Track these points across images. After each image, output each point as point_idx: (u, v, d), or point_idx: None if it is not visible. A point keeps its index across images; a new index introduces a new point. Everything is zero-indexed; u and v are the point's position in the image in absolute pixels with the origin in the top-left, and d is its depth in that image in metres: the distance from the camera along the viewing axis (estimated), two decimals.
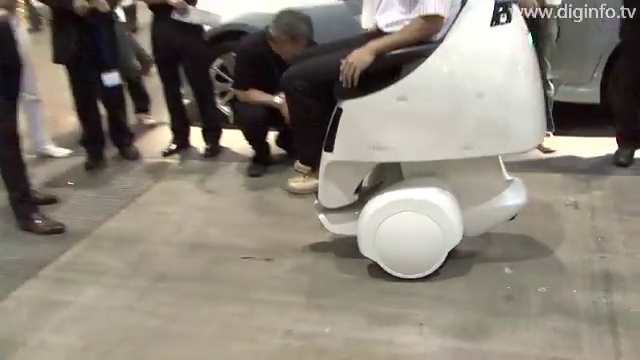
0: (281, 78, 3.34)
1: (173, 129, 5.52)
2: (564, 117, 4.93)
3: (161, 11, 4.99)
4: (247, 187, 4.60)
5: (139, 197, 4.66)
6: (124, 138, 5.45)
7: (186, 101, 5.55)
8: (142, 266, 3.70)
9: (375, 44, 3.01)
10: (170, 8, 4.91)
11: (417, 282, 3.28)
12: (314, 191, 3.57)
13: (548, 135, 4.82)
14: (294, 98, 3.30)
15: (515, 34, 3.07)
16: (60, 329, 3.20)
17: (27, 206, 4.25)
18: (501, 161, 3.36)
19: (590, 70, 4.92)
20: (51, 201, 4.61)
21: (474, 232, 3.40)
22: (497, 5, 3.03)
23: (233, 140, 5.34)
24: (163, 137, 5.73)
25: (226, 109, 5.89)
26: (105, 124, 5.39)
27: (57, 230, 4.18)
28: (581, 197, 4.06)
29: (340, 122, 3.11)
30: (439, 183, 3.22)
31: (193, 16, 4.98)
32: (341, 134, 3.13)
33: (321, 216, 3.47)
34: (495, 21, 3.00)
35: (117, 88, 5.22)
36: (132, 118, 6.06)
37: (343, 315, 3.11)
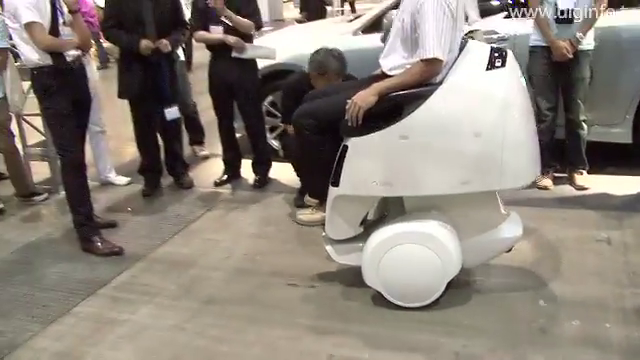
0: (292, 118, 3.34)
1: (225, 161, 5.55)
2: (597, 156, 4.83)
3: (219, 50, 5.06)
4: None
5: (192, 224, 4.69)
6: (179, 168, 5.51)
7: (238, 135, 5.59)
8: (193, 289, 3.71)
9: (379, 86, 3.06)
10: (228, 47, 4.98)
11: (452, 312, 3.23)
12: (322, 223, 3.58)
13: (581, 173, 4.74)
14: (303, 135, 3.28)
15: (509, 77, 3.10)
16: (116, 346, 3.21)
17: (89, 229, 4.31)
18: (498, 196, 3.35)
19: (622, 111, 4.82)
20: (111, 225, 4.67)
21: (472, 263, 3.39)
22: (492, 50, 3.18)
23: (281, 172, 5.36)
24: (216, 168, 5.77)
25: (275, 143, 5.91)
26: (162, 154, 5.46)
27: (116, 252, 4.22)
28: (614, 233, 3.95)
29: (346, 158, 3.14)
30: (439, 216, 3.23)
31: (250, 52, 5.04)
32: (347, 170, 3.15)
33: (328, 247, 3.46)
34: (490, 65, 3.08)
35: (176, 121, 5.30)
36: (187, 149, 6.14)
37: (381, 342, 3.06)
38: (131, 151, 6.01)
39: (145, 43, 4.78)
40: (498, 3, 5.31)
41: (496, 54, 3.15)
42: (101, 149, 5.63)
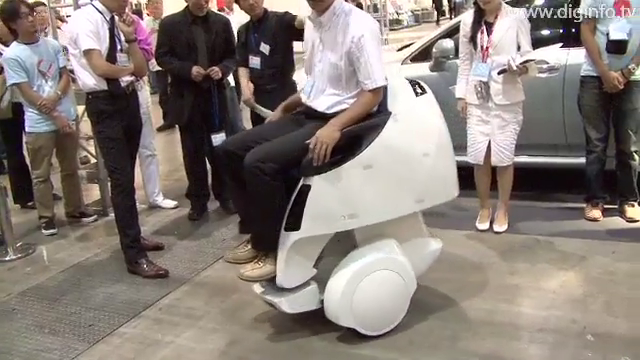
0: (246, 164, 3.04)
1: None
2: None
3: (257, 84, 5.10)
4: None
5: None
6: (226, 193, 5.57)
7: None
8: (236, 313, 3.73)
9: (338, 121, 3.09)
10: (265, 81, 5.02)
11: (499, 345, 3.18)
12: (271, 276, 3.23)
13: (633, 205, 4.63)
14: (261, 181, 3.02)
15: (434, 101, 3.39)
16: None
17: (136, 251, 4.39)
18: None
19: None
20: (158, 248, 4.74)
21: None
22: (410, 81, 3.43)
23: None
24: None
25: None
26: (210, 179, 5.53)
27: (161, 275, 4.28)
28: None
29: (309, 198, 3.05)
30: (391, 241, 3.34)
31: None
32: (310, 209, 3.06)
33: (279, 299, 3.23)
34: (416, 92, 3.37)
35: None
36: None
37: None
38: (179, 175, 6.11)
39: (196, 69, 4.89)
40: (550, 33, 5.24)
41: (412, 82, 3.44)
42: (151, 172, 5.74)
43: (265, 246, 3.23)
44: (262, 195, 3.06)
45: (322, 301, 3.28)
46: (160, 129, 7.83)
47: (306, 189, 3.07)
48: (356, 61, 3.11)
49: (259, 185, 3.03)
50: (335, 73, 3.19)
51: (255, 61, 4.96)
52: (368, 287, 3.21)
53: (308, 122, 3.26)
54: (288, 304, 3.24)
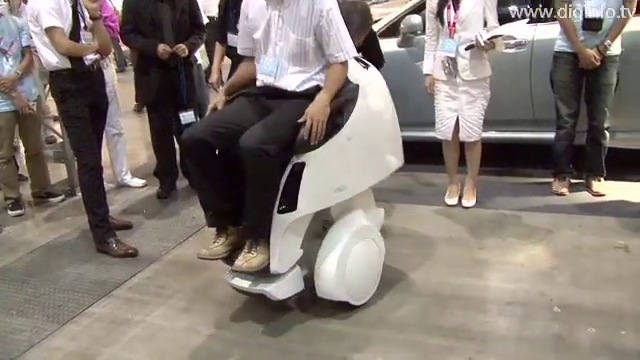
0: (247, 147, 2.92)
1: None
2: (614, 163, 4.78)
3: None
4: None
5: (206, 226, 4.68)
6: None
7: None
8: (207, 291, 3.72)
9: (325, 97, 3.08)
10: None
11: (468, 318, 3.22)
12: (266, 263, 3.10)
13: (599, 180, 4.70)
14: (267, 164, 2.94)
15: (379, 73, 3.68)
16: (130, 347, 3.24)
17: (104, 231, 4.34)
18: None
19: None
20: (126, 227, 4.71)
21: None
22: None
23: None
24: None
25: None
26: (178, 158, 5.48)
27: (130, 254, 4.25)
28: (631, 240, 3.91)
29: (304, 177, 3.04)
30: (360, 212, 3.46)
31: None
32: (305, 187, 3.05)
33: (270, 287, 3.15)
34: (365, 65, 3.59)
35: (191, 125, 5.32)
36: None
37: (397, 346, 3.05)
38: (147, 154, 6.05)
39: (162, 47, 4.82)
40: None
41: (355, 57, 3.45)
42: (118, 151, 5.67)
43: (260, 233, 3.09)
44: (265, 178, 3.00)
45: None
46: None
47: (299, 168, 3.05)
48: (325, 35, 3.07)
49: (263, 168, 2.95)
50: (300, 50, 3.14)
51: (234, 39, 4.90)
52: (356, 258, 3.28)
53: (274, 102, 3.17)
54: (280, 291, 3.18)
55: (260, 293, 3.19)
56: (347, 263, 3.23)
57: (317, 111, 3.02)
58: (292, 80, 3.18)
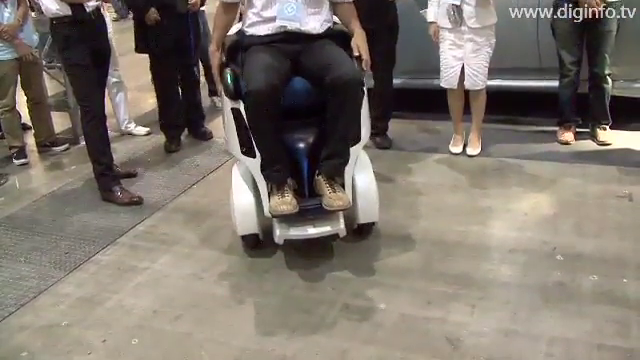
0: (350, 80, 2.99)
1: None
2: (620, 112, 4.74)
3: None
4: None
5: (210, 174, 4.70)
6: (198, 119, 5.48)
7: None
8: (211, 238, 3.74)
9: (361, 31, 3.31)
10: None
11: (471, 266, 3.23)
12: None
13: (605, 129, 4.66)
14: (362, 94, 3.14)
15: None
16: (136, 292, 3.27)
17: (109, 179, 4.34)
18: None
19: None
20: (131, 175, 4.70)
21: None
22: None
23: None
24: None
25: None
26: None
27: (135, 202, 4.26)
28: (635, 189, 3.90)
29: (364, 103, 3.29)
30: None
31: None
32: (364, 116, 3.33)
33: (342, 227, 3.25)
34: None
35: (194, 72, 5.27)
36: (206, 101, 6.13)
37: (399, 293, 3.07)
38: (150, 102, 6.00)
39: (153, 15, 4.80)
40: None
41: None
42: (119, 100, 5.63)
43: (343, 169, 3.19)
44: (359, 108, 3.20)
45: None
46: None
47: (363, 94, 3.19)
48: None
49: (360, 98, 3.16)
50: None
51: None
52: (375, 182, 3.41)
53: (297, 47, 3.20)
54: (345, 227, 3.27)
55: (331, 235, 3.27)
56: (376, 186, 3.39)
57: (363, 44, 3.25)
58: (314, 23, 3.24)
